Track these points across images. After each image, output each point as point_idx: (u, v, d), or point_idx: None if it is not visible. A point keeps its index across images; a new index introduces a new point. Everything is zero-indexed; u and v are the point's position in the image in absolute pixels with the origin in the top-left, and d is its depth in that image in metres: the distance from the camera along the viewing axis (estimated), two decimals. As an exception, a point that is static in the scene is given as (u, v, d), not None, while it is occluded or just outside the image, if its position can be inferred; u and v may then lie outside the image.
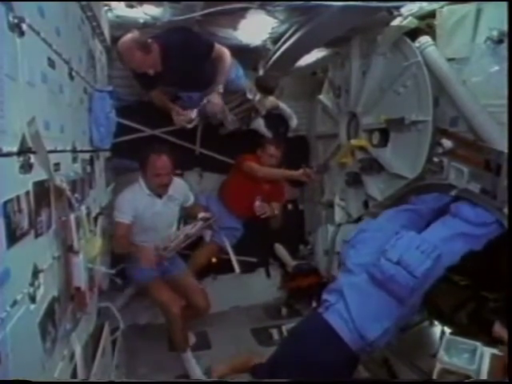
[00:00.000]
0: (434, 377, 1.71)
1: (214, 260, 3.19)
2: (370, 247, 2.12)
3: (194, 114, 2.81)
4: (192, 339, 3.13)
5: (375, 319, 1.92)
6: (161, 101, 2.92)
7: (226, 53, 2.73)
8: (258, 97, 3.04)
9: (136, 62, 2.45)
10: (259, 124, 3.40)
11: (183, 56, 2.56)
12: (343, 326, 1.91)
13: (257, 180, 3.16)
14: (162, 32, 2.55)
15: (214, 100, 2.77)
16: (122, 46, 2.38)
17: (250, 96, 2.98)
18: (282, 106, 3.49)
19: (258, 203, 3.30)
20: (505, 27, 1.78)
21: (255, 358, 2.18)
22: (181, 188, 2.85)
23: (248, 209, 3.27)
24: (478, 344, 1.69)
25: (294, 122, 3.57)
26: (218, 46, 2.69)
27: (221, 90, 2.77)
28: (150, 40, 2.42)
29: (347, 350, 1.90)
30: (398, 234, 2.02)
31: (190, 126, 2.86)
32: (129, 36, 2.37)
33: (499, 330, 1.63)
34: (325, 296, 2.13)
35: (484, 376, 1.58)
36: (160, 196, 2.67)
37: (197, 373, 2.80)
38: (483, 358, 1.63)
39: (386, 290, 1.93)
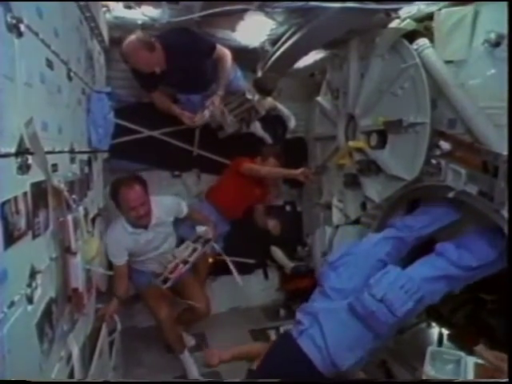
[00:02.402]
0: None
1: (210, 260, 3.18)
2: (351, 272, 2.16)
3: (206, 114, 2.80)
4: (191, 341, 3.12)
5: (349, 349, 1.95)
6: (163, 103, 2.89)
7: (228, 54, 2.73)
8: (257, 97, 3.05)
9: (142, 61, 2.45)
10: (256, 127, 3.40)
11: (184, 56, 2.56)
12: (316, 353, 1.95)
13: (251, 183, 3.16)
14: (164, 32, 2.55)
15: (217, 103, 2.77)
16: (129, 46, 2.38)
17: (249, 96, 2.98)
18: (280, 107, 3.48)
19: (272, 223, 3.39)
20: (502, 29, 1.78)
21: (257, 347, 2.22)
22: (167, 208, 2.61)
23: (239, 211, 3.29)
24: (462, 354, 1.73)
25: (292, 124, 3.57)
26: (219, 46, 2.69)
27: (222, 93, 2.78)
28: (153, 39, 2.43)
29: (319, 376, 1.93)
30: (384, 269, 2.06)
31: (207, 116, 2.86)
32: (133, 36, 2.38)
33: (482, 351, 1.63)
34: (299, 316, 2.15)
35: None
36: (145, 226, 2.48)
37: (194, 374, 2.80)
38: (467, 368, 1.65)
39: (364, 324, 1.96)
